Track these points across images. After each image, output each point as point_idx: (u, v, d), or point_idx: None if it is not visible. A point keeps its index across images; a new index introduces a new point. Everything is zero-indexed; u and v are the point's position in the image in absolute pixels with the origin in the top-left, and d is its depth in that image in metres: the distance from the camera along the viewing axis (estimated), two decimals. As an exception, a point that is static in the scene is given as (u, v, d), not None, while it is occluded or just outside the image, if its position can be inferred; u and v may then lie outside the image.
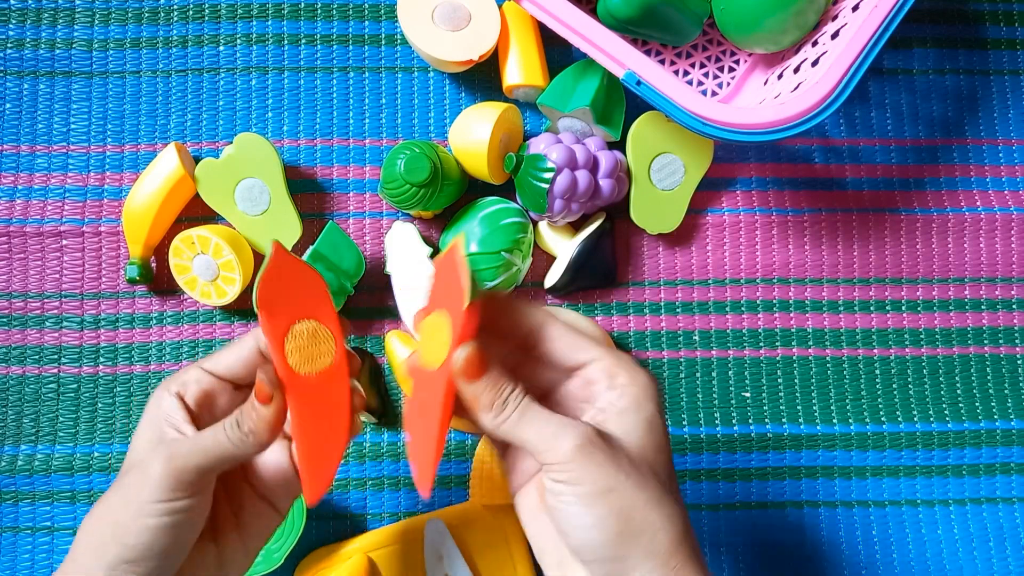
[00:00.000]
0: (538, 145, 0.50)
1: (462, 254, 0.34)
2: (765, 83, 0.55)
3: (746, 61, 0.56)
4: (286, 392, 0.35)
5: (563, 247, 0.53)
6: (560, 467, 0.32)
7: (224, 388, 0.38)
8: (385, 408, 0.54)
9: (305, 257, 0.50)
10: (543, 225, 0.54)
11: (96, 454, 0.53)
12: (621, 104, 0.53)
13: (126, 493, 0.34)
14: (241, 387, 0.38)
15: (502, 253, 0.51)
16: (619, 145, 0.54)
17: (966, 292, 0.57)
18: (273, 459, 0.38)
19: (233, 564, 0.37)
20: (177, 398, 0.36)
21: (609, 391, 0.34)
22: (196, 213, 0.54)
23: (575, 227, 0.54)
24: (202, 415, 0.37)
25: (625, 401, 0.34)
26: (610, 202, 0.53)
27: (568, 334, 0.35)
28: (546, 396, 0.36)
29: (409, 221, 0.54)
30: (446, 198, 0.52)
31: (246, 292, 0.54)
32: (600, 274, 0.54)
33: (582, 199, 0.50)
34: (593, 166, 0.51)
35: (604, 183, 0.51)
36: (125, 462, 0.36)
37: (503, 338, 0.36)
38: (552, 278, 0.53)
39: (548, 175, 0.49)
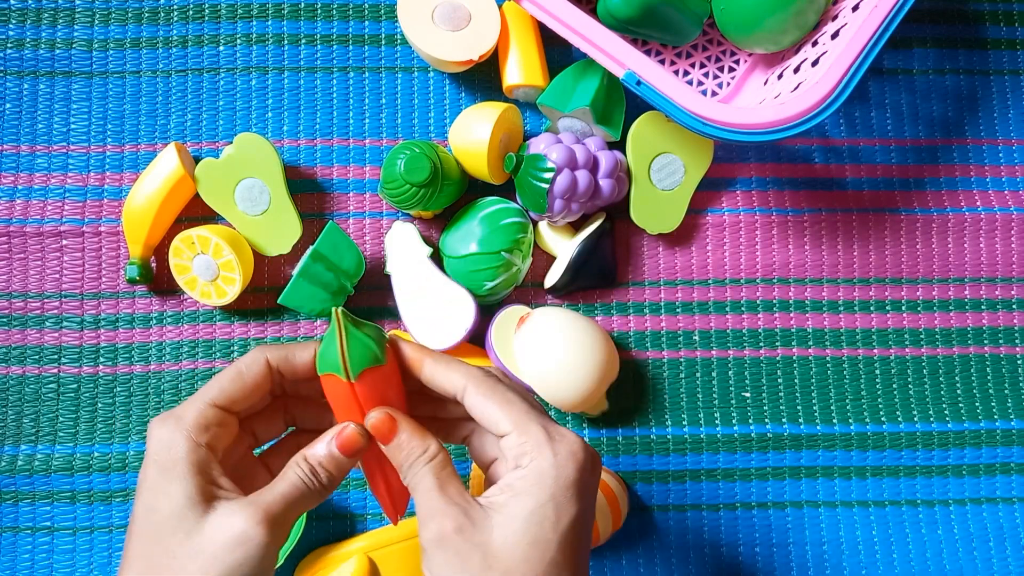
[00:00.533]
0: (538, 145, 0.50)
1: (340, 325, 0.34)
2: (765, 83, 0.55)
3: (746, 61, 0.56)
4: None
5: (563, 247, 0.53)
6: (423, 550, 0.33)
7: (233, 423, 0.35)
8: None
9: (305, 257, 0.50)
10: (543, 225, 0.54)
11: (96, 454, 0.53)
12: (621, 104, 0.53)
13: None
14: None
15: (502, 253, 0.51)
16: (619, 145, 0.54)
17: (966, 292, 0.57)
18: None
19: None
20: (208, 450, 0.33)
21: (513, 471, 0.33)
22: (196, 213, 0.54)
23: (575, 227, 0.54)
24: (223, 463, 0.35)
25: (518, 486, 0.33)
26: (610, 202, 0.53)
27: (486, 401, 0.34)
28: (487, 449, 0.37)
29: (409, 221, 0.54)
30: (446, 198, 0.52)
31: (246, 292, 0.54)
32: (600, 274, 0.54)
33: (582, 199, 0.50)
34: (593, 166, 0.51)
35: (604, 183, 0.51)
36: (169, 538, 0.32)
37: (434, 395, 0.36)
38: (552, 278, 0.53)
39: (548, 175, 0.49)
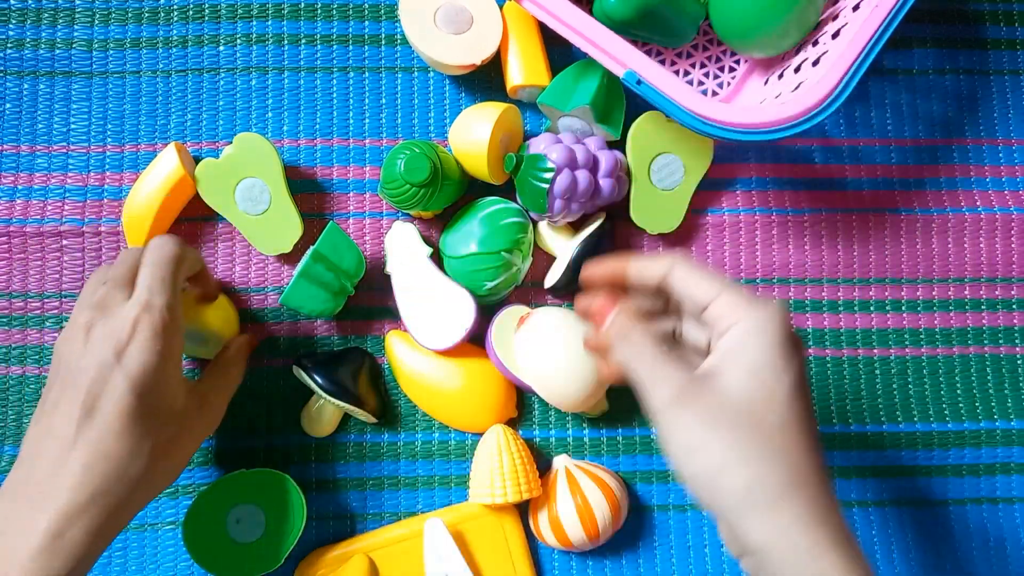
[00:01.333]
0: (538, 145, 0.50)
1: None
2: (765, 83, 0.55)
3: (747, 61, 0.56)
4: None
5: (563, 247, 0.53)
6: (655, 418, 0.34)
7: None
8: (384, 408, 0.54)
9: (305, 258, 0.50)
10: (543, 225, 0.54)
11: (96, 454, 0.53)
12: (621, 103, 0.53)
13: None
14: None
15: (502, 253, 0.51)
16: (619, 144, 0.54)
17: (966, 292, 0.57)
18: None
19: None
20: None
21: (722, 335, 0.34)
22: (196, 213, 0.54)
23: (575, 227, 0.54)
24: None
25: (730, 344, 0.34)
26: (610, 202, 0.53)
27: (689, 274, 0.36)
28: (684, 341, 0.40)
29: (409, 221, 0.54)
30: (446, 198, 0.52)
31: (246, 292, 0.54)
32: None
33: (582, 199, 0.50)
34: (593, 165, 0.51)
35: (604, 183, 0.51)
36: None
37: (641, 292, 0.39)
38: (552, 278, 0.53)
39: (548, 175, 0.49)
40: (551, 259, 0.55)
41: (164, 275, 0.42)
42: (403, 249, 0.53)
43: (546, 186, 0.49)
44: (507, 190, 0.54)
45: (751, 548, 0.32)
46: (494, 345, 0.51)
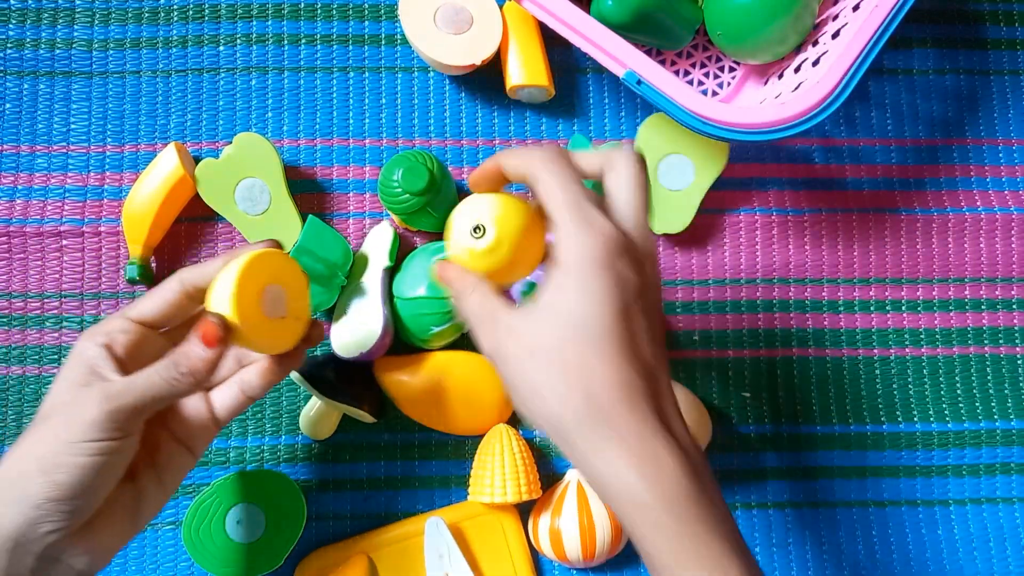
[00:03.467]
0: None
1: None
2: (766, 82, 0.55)
3: (746, 63, 0.56)
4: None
5: None
6: (493, 355, 0.35)
7: (150, 335, 0.40)
8: (383, 408, 0.54)
9: (290, 253, 0.50)
10: None
11: (96, 454, 0.53)
12: None
13: (55, 433, 0.35)
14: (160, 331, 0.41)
15: (450, 299, 0.50)
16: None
17: (966, 292, 0.57)
18: (193, 405, 0.41)
19: (149, 503, 0.39)
20: (104, 348, 0.38)
21: (556, 257, 0.34)
22: (196, 213, 0.54)
23: None
24: (130, 365, 0.38)
25: (556, 264, 0.34)
26: None
27: (543, 183, 0.35)
28: None
29: (392, 226, 0.53)
30: (442, 216, 0.51)
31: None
32: None
33: None
34: None
35: None
36: (44, 407, 0.37)
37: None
38: None
39: None
40: None
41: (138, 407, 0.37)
42: (375, 250, 0.52)
43: None
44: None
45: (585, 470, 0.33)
46: None
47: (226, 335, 0.36)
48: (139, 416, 0.36)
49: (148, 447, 0.39)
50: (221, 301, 0.36)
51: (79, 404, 0.35)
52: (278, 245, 0.41)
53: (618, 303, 0.33)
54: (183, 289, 0.40)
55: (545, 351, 0.33)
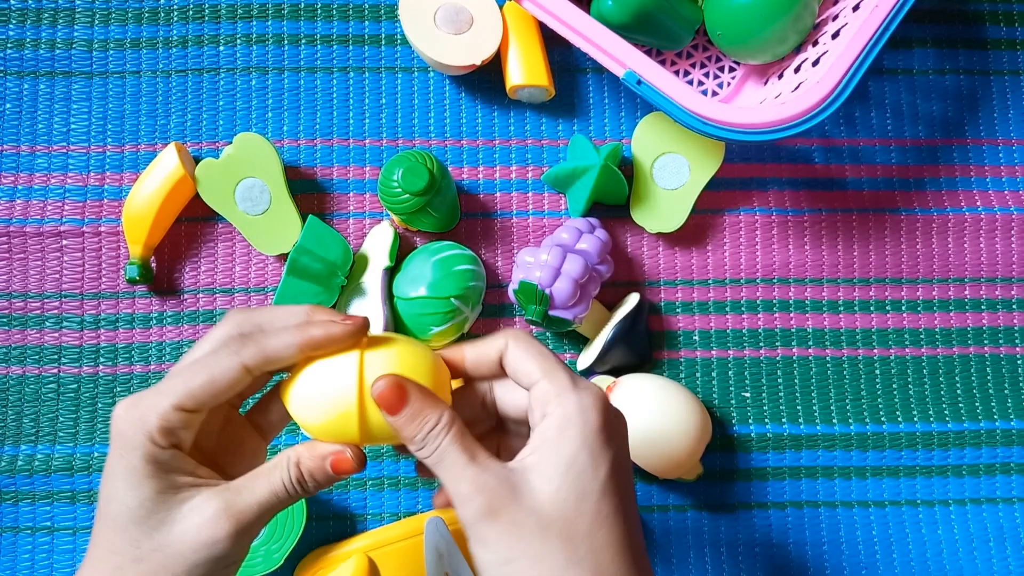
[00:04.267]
0: (523, 264, 0.51)
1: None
2: (765, 82, 0.55)
3: (746, 63, 0.56)
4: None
5: (599, 329, 0.53)
6: (470, 530, 0.31)
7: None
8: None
9: (291, 255, 0.50)
10: None
11: (96, 454, 0.53)
12: (619, 180, 0.52)
13: (177, 553, 0.31)
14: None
15: (451, 299, 0.50)
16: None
17: (966, 292, 0.57)
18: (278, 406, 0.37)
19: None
20: (175, 452, 0.32)
21: (540, 423, 0.32)
22: (196, 213, 0.54)
23: (609, 306, 0.54)
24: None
25: (547, 436, 0.31)
26: (608, 276, 0.52)
27: (518, 355, 0.34)
28: (520, 419, 0.36)
29: (392, 226, 0.53)
30: (442, 216, 0.51)
31: (246, 293, 0.54)
32: (635, 353, 0.53)
33: (587, 297, 0.50)
34: (586, 254, 0.51)
35: (600, 269, 0.51)
36: (123, 531, 0.31)
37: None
38: (586, 360, 0.53)
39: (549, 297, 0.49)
40: (582, 339, 0.55)
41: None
42: (375, 250, 0.53)
43: (558, 314, 0.49)
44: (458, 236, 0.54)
45: None
46: None
47: (359, 465, 0.33)
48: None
49: (233, 443, 0.36)
50: (345, 427, 0.32)
51: (209, 524, 0.31)
52: (365, 325, 0.34)
53: (616, 465, 0.32)
54: (244, 371, 0.32)
55: (539, 537, 0.30)
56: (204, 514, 0.31)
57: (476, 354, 0.35)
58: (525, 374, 0.33)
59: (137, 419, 0.31)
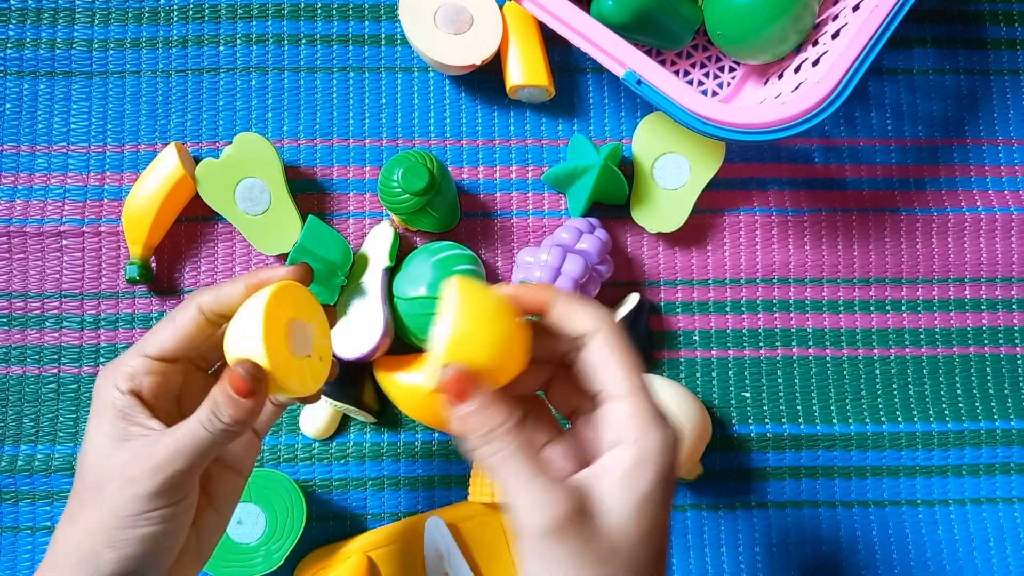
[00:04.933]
0: (523, 264, 0.50)
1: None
2: (765, 82, 0.55)
3: (746, 63, 0.56)
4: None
5: None
6: (528, 542, 0.30)
7: (173, 369, 0.36)
8: (384, 408, 0.54)
9: (291, 254, 0.50)
10: None
11: (96, 454, 0.53)
12: (618, 180, 0.52)
13: (112, 508, 0.33)
14: (181, 361, 0.36)
15: None
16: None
17: (966, 292, 0.57)
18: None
19: (209, 537, 0.37)
20: (132, 396, 0.34)
21: (616, 446, 0.31)
22: (196, 213, 0.54)
23: (610, 307, 0.54)
24: (159, 405, 0.35)
25: (625, 465, 0.30)
26: (608, 276, 0.52)
27: (613, 357, 0.32)
28: (575, 414, 0.35)
29: (392, 225, 0.54)
30: (442, 216, 0.51)
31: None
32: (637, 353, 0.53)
33: (589, 288, 0.50)
34: (585, 253, 0.50)
35: (599, 268, 0.51)
36: (86, 471, 0.34)
37: (544, 341, 0.34)
38: None
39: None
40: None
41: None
42: (375, 250, 0.53)
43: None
44: (460, 236, 0.54)
45: None
46: None
47: (258, 385, 0.32)
48: (194, 475, 0.34)
49: (201, 484, 0.36)
50: (249, 343, 0.33)
51: (129, 475, 0.33)
52: (307, 271, 0.37)
53: (670, 507, 0.32)
54: (202, 316, 0.35)
55: (600, 563, 0.29)
56: (132, 455, 0.33)
57: (562, 317, 0.33)
58: (609, 380, 0.32)
59: (109, 373, 0.35)
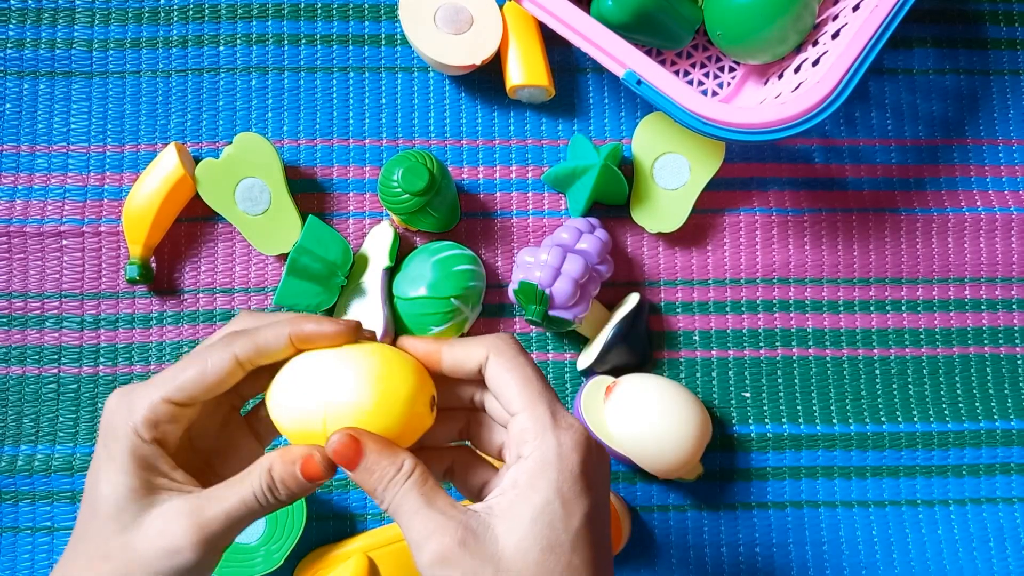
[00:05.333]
0: (523, 264, 0.50)
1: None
2: (766, 82, 0.55)
3: (746, 63, 0.56)
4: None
5: (598, 329, 0.53)
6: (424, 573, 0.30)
7: (195, 409, 0.33)
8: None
9: (291, 254, 0.50)
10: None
11: (96, 454, 0.53)
12: (618, 180, 0.52)
13: (141, 562, 0.30)
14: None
15: (451, 299, 0.50)
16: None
17: (966, 292, 0.57)
18: None
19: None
20: (155, 444, 0.31)
21: (514, 465, 0.31)
22: (196, 213, 0.54)
23: (609, 306, 0.54)
24: (180, 449, 0.33)
25: (520, 480, 0.30)
26: (608, 276, 0.52)
27: (500, 373, 0.32)
28: (501, 451, 0.35)
29: (392, 225, 0.54)
30: (442, 216, 0.51)
31: (246, 292, 0.54)
32: (635, 353, 0.53)
33: (587, 296, 0.50)
34: (585, 254, 0.50)
35: (600, 269, 0.51)
36: (106, 525, 0.30)
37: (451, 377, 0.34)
38: (585, 361, 0.53)
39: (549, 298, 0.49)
40: (582, 339, 0.54)
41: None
42: (375, 250, 0.53)
43: (558, 314, 0.49)
44: (460, 237, 0.54)
45: None
46: (584, 417, 0.50)
47: (328, 469, 0.31)
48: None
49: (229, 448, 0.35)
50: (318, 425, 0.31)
51: (170, 545, 0.30)
52: (358, 329, 0.33)
53: (592, 513, 0.30)
54: (236, 364, 0.32)
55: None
56: (169, 521, 0.30)
57: (454, 359, 0.33)
58: (505, 399, 0.32)
59: (126, 409, 0.31)
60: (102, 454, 0.31)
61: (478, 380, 0.34)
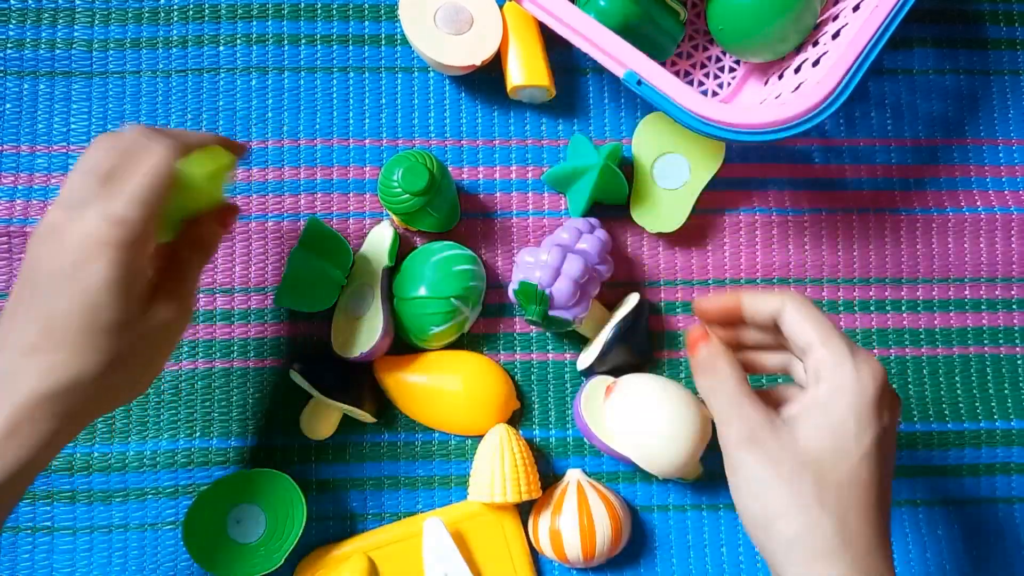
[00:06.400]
0: (523, 264, 0.50)
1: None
2: (766, 83, 0.55)
3: (747, 61, 0.56)
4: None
5: (598, 329, 0.53)
6: (727, 456, 0.36)
7: None
8: (383, 408, 0.54)
9: (291, 255, 0.50)
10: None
11: (96, 454, 0.53)
12: (619, 179, 0.52)
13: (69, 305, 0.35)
14: None
15: (451, 299, 0.50)
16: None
17: (966, 292, 0.57)
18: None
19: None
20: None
21: (813, 386, 0.36)
22: (196, 213, 0.54)
23: (609, 306, 0.54)
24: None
25: (820, 398, 0.35)
26: (609, 275, 0.52)
27: (797, 317, 0.37)
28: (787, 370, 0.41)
29: (392, 226, 0.54)
30: (442, 216, 0.51)
31: (247, 292, 0.54)
32: (635, 353, 0.53)
33: (587, 296, 0.50)
34: (585, 254, 0.50)
35: (599, 269, 0.51)
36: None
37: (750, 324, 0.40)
38: (585, 361, 0.53)
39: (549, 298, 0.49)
40: (582, 339, 0.54)
41: (149, 197, 0.37)
42: (374, 250, 0.53)
43: (558, 314, 0.49)
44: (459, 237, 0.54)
45: None
46: (584, 417, 0.50)
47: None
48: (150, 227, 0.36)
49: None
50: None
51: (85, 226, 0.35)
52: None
53: (881, 442, 0.35)
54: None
55: (793, 475, 0.34)
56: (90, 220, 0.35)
57: (753, 307, 0.39)
58: (803, 339, 0.36)
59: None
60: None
61: (768, 327, 0.39)
